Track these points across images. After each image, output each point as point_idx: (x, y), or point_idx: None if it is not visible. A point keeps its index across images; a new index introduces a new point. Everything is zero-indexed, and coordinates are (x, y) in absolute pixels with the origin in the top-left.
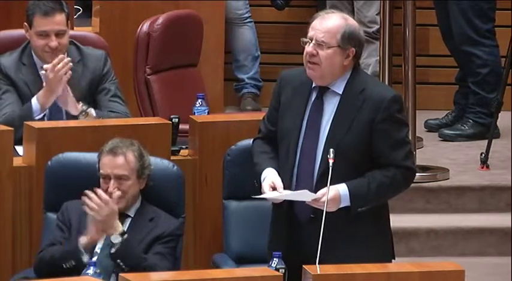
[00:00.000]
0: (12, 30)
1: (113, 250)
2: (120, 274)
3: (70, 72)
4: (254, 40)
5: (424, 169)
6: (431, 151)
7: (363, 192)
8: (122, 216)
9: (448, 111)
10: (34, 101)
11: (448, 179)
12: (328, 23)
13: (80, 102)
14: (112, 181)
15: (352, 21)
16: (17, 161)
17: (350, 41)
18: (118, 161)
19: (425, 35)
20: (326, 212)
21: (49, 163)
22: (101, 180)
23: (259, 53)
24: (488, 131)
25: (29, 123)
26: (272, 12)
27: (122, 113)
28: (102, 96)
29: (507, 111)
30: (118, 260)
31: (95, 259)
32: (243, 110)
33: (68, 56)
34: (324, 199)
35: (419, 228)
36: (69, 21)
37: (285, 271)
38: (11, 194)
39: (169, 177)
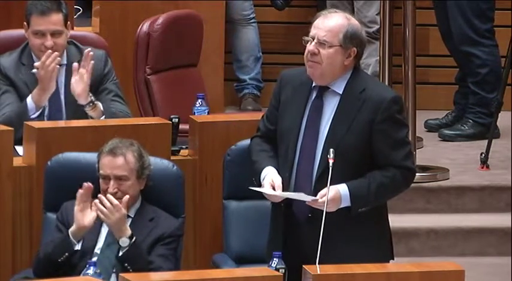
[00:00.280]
0: (12, 30)
1: (120, 253)
2: (120, 274)
3: (58, 66)
4: (257, 41)
5: (424, 169)
6: (431, 151)
7: (363, 192)
8: None
9: (448, 111)
10: (29, 99)
11: (448, 179)
12: (330, 22)
13: (90, 93)
14: (112, 182)
15: (354, 21)
16: (17, 161)
17: (352, 41)
18: (118, 162)
19: (425, 35)
20: (326, 212)
21: (49, 163)
22: (101, 180)
23: (261, 54)
24: (488, 131)
25: (29, 123)
26: (272, 12)
27: (124, 113)
28: (103, 96)
29: (507, 111)
30: (125, 264)
31: (95, 259)
32: (243, 110)
33: (67, 56)
34: (324, 199)
35: (419, 228)
36: (68, 22)
37: (285, 271)
38: (11, 194)
39: (169, 177)
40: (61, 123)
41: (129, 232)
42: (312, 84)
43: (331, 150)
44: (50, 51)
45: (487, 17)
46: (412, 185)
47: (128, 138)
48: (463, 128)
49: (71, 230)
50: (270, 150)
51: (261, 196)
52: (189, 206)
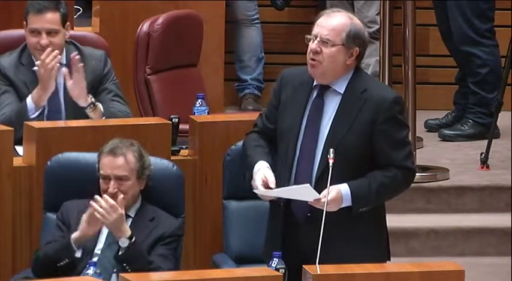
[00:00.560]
0: (12, 30)
1: (120, 254)
2: (120, 274)
3: (58, 65)
4: (260, 42)
5: (424, 169)
6: (431, 151)
7: (364, 192)
8: None
9: (448, 111)
10: (28, 99)
11: (448, 179)
12: (333, 21)
13: (90, 95)
14: (112, 182)
15: (357, 21)
16: (17, 161)
17: (355, 41)
18: (118, 162)
19: (425, 35)
20: (326, 211)
21: (48, 163)
22: (101, 181)
23: (263, 54)
24: (488, 131)
25: (29, 123)
26: (272, 12)
27: (124, 113)
28: (103, 97)
29: (507, 111)
30: (124, 264)
31: (95, 259)
32: (243, 110)
33: (67, 56)
34: (325, 199)
35: (419, 228)
36: (68, 23)
37: (285, 271)
38: (11, 194)
39: (169, 177)
40: (61, 124)
41: (128, 232)
42: (313, 83)
43: (331, 150)
44: (50, 49)
45: (487, 17)
46: (412, 185)
47: (128, 139)
48: (463, 128)
49: (73, 236)
50: (266, 146)
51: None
52: (189, 206)
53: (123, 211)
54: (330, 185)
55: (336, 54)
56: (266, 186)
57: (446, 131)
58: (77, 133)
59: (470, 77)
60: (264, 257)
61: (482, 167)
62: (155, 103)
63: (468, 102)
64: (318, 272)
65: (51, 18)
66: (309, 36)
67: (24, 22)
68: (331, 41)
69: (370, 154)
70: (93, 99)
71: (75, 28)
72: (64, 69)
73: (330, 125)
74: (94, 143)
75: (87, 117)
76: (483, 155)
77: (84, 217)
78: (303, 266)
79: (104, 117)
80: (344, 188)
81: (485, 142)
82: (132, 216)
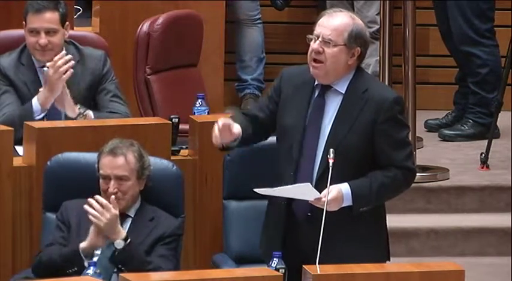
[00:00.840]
0: (12, 30)
1: (116, 255)
2: (120, 274)
3: (71, 70)
4: (261, 42)
5: (424, 169)
6: (431, 151)
7: (365, 192)
8: (122, 217)
9: (448, 111)
10: (34, 101)
11: (448, 179)
12: (335, 21)
13: (78, 105)
14: (112, 182)
15: (359, 21)
16: (17, 161)
17: (356, 41)
18: (118, 162)
19: (425, 35)
20: (326, 211)
21: (48, 163)
22: (101, 181)
23: (264, 55)
24: (488, 131)
25: (29, 123)
26: (272, 13)
27: (123, 114)
28: (102, 97)
29: (507, 111)
30: (119, 265)
31: (95, 259)
32: (243, 110)
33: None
34: (325, 198)
35: (419, 228)
36: (67, 22)
37: (285, 271)
38: (11, 194)
39: (169, 177)
40: (61, 124)
41: (123, 234)
42: (314, 82)
43: (331, 150)
44: (64, 52)
45: (487, 17)
46: (412, 185)
47: (128, 139)
48: (463, 128)
49: (82, 246)
50: (249, 118)
51: (261, 196)
52: (189, 206)
53: (117, 212)
54: (331, 184)
55: (338, 55)
56: (226, 130)
57: (446, 131)
58: (76, 133)
59: (470, 77)
60: (264, 256)
61: (482, 167)
62: (155, 103)
63: (468, 102)
64: (318, 272)
65: (50, 17)
66: (310, 36)
67: (24, 22)
68: (333, 41)
69: (371, 153)
70: (81, 109)
71: (75, 28)
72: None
73: (331, 125)
74: (94, 143)
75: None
76: (483, 155)
77: (92, 227)
78: (303, 266)
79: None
80: (345, 187)
81: (485, 142)
82: (132, 216)
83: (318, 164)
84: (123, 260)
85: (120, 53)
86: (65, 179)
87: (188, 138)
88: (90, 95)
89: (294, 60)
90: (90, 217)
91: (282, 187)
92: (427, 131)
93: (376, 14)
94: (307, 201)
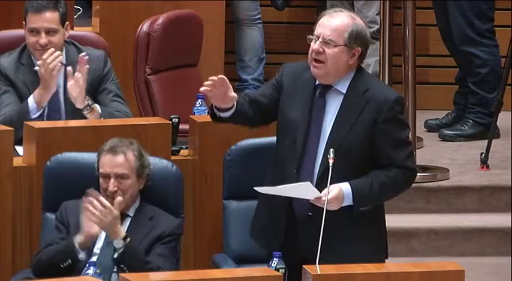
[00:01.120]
0: (12, 30)
1: (115, 255)
2: (120, 274)
3: (60, 65)
4: (261, 42)
5: (424, 169)
6: (431, 151)
7: (365, 191)
8: (122, 216)
9: (448, 111)
10: (30, 99)
11: (448, 179)
12: (336, 21)
13: (87, 96)
14: (112, 180)
15: (359, 21)
16: (17, 161)
17: (357, 41)
18: (118, 160)
19: (425, 35)
20: (326, 211)
21: (48, 163)
22: (101, 179)
23: (264, 55)
24: (488, 131)
25: (29, 123)
26: (272, 13)
27: (124, 113)
28: (103, 97)
29: (507, 111)
30: (121, 265)
31: (95, 259)
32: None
33: (66, 56)
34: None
35: (419, 228)
36: (67, 22)
37: (285, 271)
38: (11, 194)
39: (169, 177)
40: (61, 124)
41: (122, 233)
42: (315, 82)
43: (331, 150)
44: (52, 49)
45: (488, 16)
46: (413, 185)
47: (128, 138)
48: (463, 128)
49: (77, 239)
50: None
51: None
52: (189, 206)
53: (118, 213)
54: (331, 184)
55: (338, 55)
56: (220, 86)
57: (446, 131)
58: (76, 133)
59: (470, 77)
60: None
61: (482, 167)
62: (155, 103)
63: (468, 102)
64: (318, 272)
65: (50, 17)
66: (311, 37)
67: (24, 22)
68: (334, 41)
69: (371, 153)
70: (90, 101)
71: (75, 28)
72: (69, 68)
73: (332, 124)
74: (94, 143)
75: (86, 117)
76: (483, 155)
77: (82, 218)
78: (303, 266)
79: (102, 118)
80: (345, 186)
81: (485, 141)
82: (131, 215)
83: (319, 164)
84: (124, 260)
85: (120, 53)
86: (64, 179)
87: (188, 138)
88: (90, 95)
89: (294, 60)
90: (91, 217)
91: (282, 186)
92: (427, 131)
93: (376, 14)
94: (308, 200)
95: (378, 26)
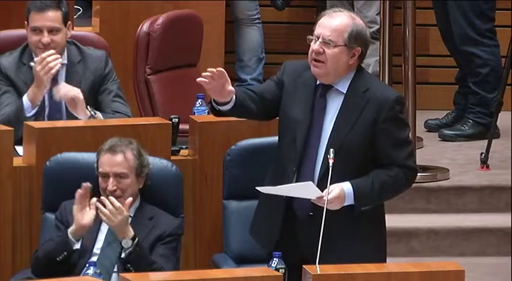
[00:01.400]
0: (12, 30)
1: (123, 255)
2: (120, 274)
3: (58, 67)
4: (260, 42)
5: (424, 169)
6: (431, 151)
7: (367, 191)
8: None
9: (448, 111)
10: (24, 98)
11: (448, 179)
12: (335, 22)
13: (88, 106)
14: (111, 179)
15: (359, 21)
16: (17, 161)
17: (357, 41)
18: (117, 159)
19: (425, 35)
20: (327, 210)
21: (47, 163)
22: (100, 179)
23: (264, 54)
24: (488, 131)
25: (29, 123)
26: (272, 13)
27: (125, 114)
28: (104, 97)
29: (507, 111)
30: (128, 265)
31: (94, 258)
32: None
33: (68, 56)
34: (328, 196)
35: (419, 228)
36: (69, 22)
37: (285, 271)
38: (11, 194)
39: (168, 177)
40: (61, 123)
41: (131, 233)
42: (316, 82)
43: (331, 150)
44: (52, 51)
45: (488, 16)
46: (413, 185)
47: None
48: (463, 128)
49: (70, 229)
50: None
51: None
52: (189, 206)
53: (128, 214)
54: (332, 184)
55: (338, 55)
56: (219, 78)
57: (446, 131)
58: (76, 133)
59: (470, 77)
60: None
61: (482, 167)
62: (155, 103)
63: (468, 102)
64: (318, 272)
65: (53, 16)
66: (311, 37)
67: (26, 21)
68: (334, 42)
69: (372, 152)
70: (92, 111)
71: (75, 28)
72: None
73: (333, 124)
74: (94, 143)
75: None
76: (483, 155)
77: (74, 208)
78: (303, 266)
79: None
80: (346, 186)
81: (485, 141)
82: (132, 215)
83: (320, 164)
84: (132, 260)
85: (120, 53)
86: (63, 179)
87: (188, 138)
88: (91, 95)
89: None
90: (101, 215)
91: (284, 186)
92: (427, 131)
93: (376, 14)
94: (309, 200)
95: (377, 26)
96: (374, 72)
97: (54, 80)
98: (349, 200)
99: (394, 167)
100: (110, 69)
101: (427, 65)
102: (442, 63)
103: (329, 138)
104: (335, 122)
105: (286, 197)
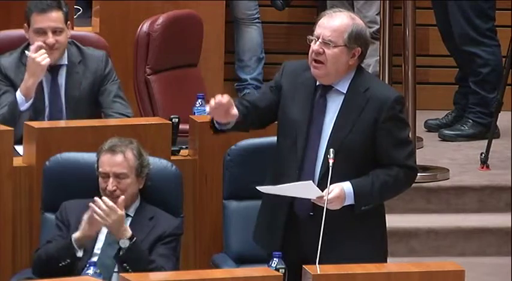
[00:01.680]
0: (12, 30)
1: (120, 254)
2: (120, 274)
3: (48, 59)
4: (260, 41)
5: (424, 169)
6: (431, 151)
7: (367, 191)
8: None
9: (448, 111)
10: (17, 92)
11: (448, 179)
12: (335, 22)
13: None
14: (111, 179)
15: (359, 21)
16: (17, 161)
17: (356, 41)
18: (117, 159)
19: (425, 35)
20: (327, 210)
21: (47, 163)
22: (100, 179)
23: (263, 54)
24: (488, 131)
25: (29, 123)
26: (272, 12)
27: (125, 114)
28: (104, 97)
29: (507, 111)
30: (125, 264)
31: (94, 258)
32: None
33: (68, 56)
34: (329, 196)
35: (419, 228)
36: (69, 22)
37: (285, 271)
38: (11, 194)
39: (168, 177)
40: (61, 123)
41: (129, 233)
42: (316, 82)
43: (331, 150)
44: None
45: (488, 16)
46: (413, 185)
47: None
48: (463, 128)
49: (75, 235)
50: (249, 105)
51: (261, 196)
52: (189, 206)
53: (123, 212)
54: (332, 183)
55: (338, 55)
56: (225, 107)
57: (446, 131)
58: (77, 133)
59: (471, 77)
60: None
61: (482, 167)
62: (155, 103)
63: (468, 102)
64: (318, 272)
65: (56, 17)
66: (311, 37)
67: (25, 24)
68: (334, 42)
69: (372, 152)
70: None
71: (75, 28)
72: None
73: (333, 124)
74: (94, 143)
75: (88, 117)
76: (483, 155)
77: (85, 217)
78: (303, 266)
79: None
80: (347, 186)
81: (485, 141)
82: (132, 215)
83: (320, 164)
84: (129, 259)
85: (120, 53)
86: (63, 179)
87: (188, 138)
88: (92, 96)
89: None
90: (96, 216)
91: (284, 185)
92: (427, 131)
93: (376, 14)
94: (310, 200)
95: (377, 26)
96: (374, 72)
97: (55, 82)
98: (350, 200)
99: (394, 166)
100: (110, 69)
101: (427, 65)
102: (442, 63)
103: (329, 138)
104: (335, 122)
105: (287, 197)
